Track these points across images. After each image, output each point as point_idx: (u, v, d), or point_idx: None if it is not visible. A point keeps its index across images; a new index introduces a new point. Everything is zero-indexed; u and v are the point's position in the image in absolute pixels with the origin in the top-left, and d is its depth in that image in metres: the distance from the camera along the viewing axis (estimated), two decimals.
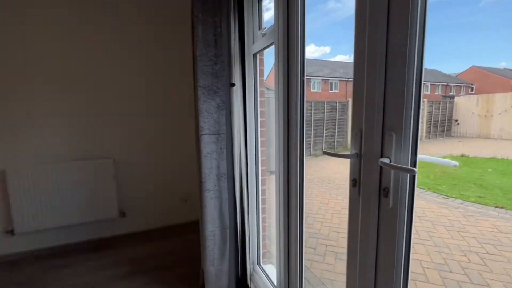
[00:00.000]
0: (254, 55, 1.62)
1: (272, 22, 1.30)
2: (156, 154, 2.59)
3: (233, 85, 1.58)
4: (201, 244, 1.64)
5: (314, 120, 6.96)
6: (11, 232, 2.15)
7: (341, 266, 2.17)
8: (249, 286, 1.67)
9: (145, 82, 2.48)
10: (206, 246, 1.50)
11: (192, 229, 2.62)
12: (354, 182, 0.81)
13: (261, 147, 1.74)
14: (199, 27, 1.39)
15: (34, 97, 2.15)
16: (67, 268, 2.01)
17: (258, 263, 1.77)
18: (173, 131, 2.63)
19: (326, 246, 2.47)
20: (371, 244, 0.77)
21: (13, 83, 2.09)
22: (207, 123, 1.43)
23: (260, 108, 1.71)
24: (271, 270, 1.69)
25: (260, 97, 1.71)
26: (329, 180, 4.67)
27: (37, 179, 2.14)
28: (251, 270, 1.73)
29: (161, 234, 2.54)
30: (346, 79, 13.96)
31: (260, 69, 1.69)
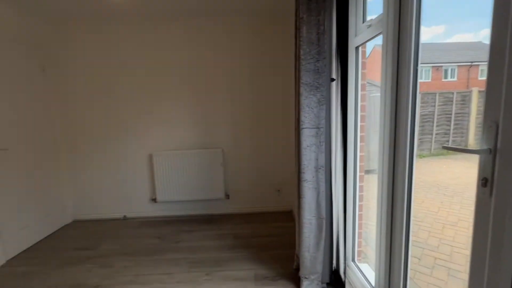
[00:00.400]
0: (357, 48, 1.59)
1: (374, 14, 1.25)
2: (255, 147, 2.90)
3: (333, 80, 1.60)
4: (297, 231, 1.77)
5: (421, 115, 5.96)
6: (154, 200, 2.90)
7: (456, 285, 1.85)
8: (343, 280, 1.68)
9: (250, 85, 2.80)
10: (303, 233, 1.61)
11: (285, 218, 2.81)
12: (485, 182, 0.72)
13: (360, 142, 1.70)
14: (303, 28, 1.48)
15: (172, 101, 2.80)
16: (189, 232, 2.56)
17: (353, 260, 1.75)
18: (270, 127, 2.87)
19: (435, 258, 2.15)
20: (506, 260, 0.65)
21: (160, 92, 2.79)
22: (307, 117, 1.52)
23: (360, 102, 1.67)
24: (367, 270, 1.64)
25: (361, 91, 1.66)
26: (440, 186, 3.95)
27: (171, 162, 2.80)
28: (345, 265, 1.73)
29: (258, 218, 2.84)
30: (470, 63, 11.12)
31: (362, 62, 1.64)
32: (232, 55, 2.75)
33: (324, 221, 1.60)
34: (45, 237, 2.56)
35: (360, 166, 1.73)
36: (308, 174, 1.56)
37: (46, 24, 2.61)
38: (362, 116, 1.69)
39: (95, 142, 2.84)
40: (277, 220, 2.78)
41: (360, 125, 1.70)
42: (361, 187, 1.77)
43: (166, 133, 2.85)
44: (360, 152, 1.70)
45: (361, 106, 1.68)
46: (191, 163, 2.80)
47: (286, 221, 2.75)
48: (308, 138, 1.54)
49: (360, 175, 1.74)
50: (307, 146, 1.54)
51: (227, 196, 2.94)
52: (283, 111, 2.84)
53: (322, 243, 1.62)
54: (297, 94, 1.60)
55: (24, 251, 2.31)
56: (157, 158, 2.79)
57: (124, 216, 2.96)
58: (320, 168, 1.57)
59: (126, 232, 2.64)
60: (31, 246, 2.39)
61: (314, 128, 1.53)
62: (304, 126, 1.53)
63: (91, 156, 2.86)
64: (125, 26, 2.67)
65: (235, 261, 2.06)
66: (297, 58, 1.58)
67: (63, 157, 2.83)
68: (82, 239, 2.50)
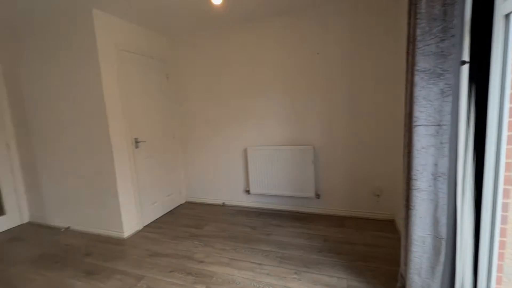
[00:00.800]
0: (507, 16, 1.16)
1: None
2: (351, 145, 2.65)
3: (465, 63, 1.24)
4: (402, 246, 1.50)
5: None
6: (248, 192, 3.12)
7: None
8: None
9: (346, 78, 2.57)
10: (411, 251, 1.34)
11: (385, 228, 2.45)
12: None
13: (506, 144, 1.25)
14: (421, 2, 1.20)
15: (266, 102, 2.91)
16: (279, 227, 2.62)
17: None
18: (370, 123, 2.55)
19: None
20: None
21: (255, 90, 2.95)
22: (424, 112, 1.24)
23: (510, 90, 1.22)
24: None
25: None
26: None
27: (263, 157, 2.92)
28: None
29: (351, 223, 2.60)
30: None
31: None
32: (326, 48, 2.59)
33: (443, 242, 1.27)
34: (166, 213, 3.18)
35: (504, 176, 1.28)
36: (422, 182, 1.27)
37: (167, 40, 3.20)
38: (511, 109, 1.24)
39: (202, 136, 3.30)
40: (375, 228, 2.46)
41: (508, 121, 1.25)
42: (505, 204, 1.31)
43: (259, 129, 2.99)
44: (506, 158, 1.26)
45: (511, 95, 1.23)
46: (282, 159, 2.84)
47: (386, 231, 2.40)
48: (423, 138, 1.25)
49: (504, 189, 1.29)
50: (422, 148, 1.26)
51: (318, 195, 2.83)
52: (387, 105, 2.47)
53: (440, 269, 1.30)
54: (410, 84, 1.33)
55: (154, 221, 2.95)
56: (251, 152, 2.97)
57: (223, 203, 3.32)
58: (440, 176, 1.25)
59: (224, 217, 2.95)
60: (158, 218, 3.03)
61: (433, 125, 1.23)
62: (418, 123, 1.26)
63: (199, 148, 3.35)
64: (223, 31, 2.94)
65: (325, 265, 1.95)
66: (411, 40, 1.30)
67: (179, 148, 3.43)
68: (191, 219, 2.98)
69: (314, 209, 2.88)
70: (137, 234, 2.67)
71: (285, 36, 2.72)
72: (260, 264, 2.02)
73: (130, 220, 2.66)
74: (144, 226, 2.82)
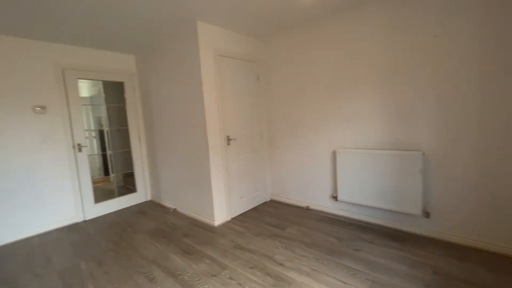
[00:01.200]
0: None
1: None
2: (482, 152, 1.98)
3: None
4: None
5: None
6: (335, 198, 2.85)
7: None
8: None
9: (473, 70, 1.93)
10: None
11: None
12: None
13: None
14: None
15: (359, 99, 2.57)
16: (370, 243, 2.25)
17: None
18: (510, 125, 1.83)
19: None
20: None
21: (344, 86, 2.65)
22: None
23: None
24: None
25: None
26: None
27: (355, 161, 2.59)
28: None
29: (477, 256, 1.95)
30: None
31: None
32: (448, 27, 2.01)
33: None
34: (252, 208, 3.32)
35: None
36: None
37: (258, 41, 3.30)
38: None
39: (289, 135, 3.25)
40: None
41: None
42: None
43: (351, 130, 2.67)
44: None
45: None
46: (378, 165, 2.43)
47: None
48: None
49: None
50: None
51: (426, 213, 2.26)
52: None
53: None
54: None
55: (240, 214, 3.13)
56: (340, 155, 2.69)
57: (307, 207, 3.17)
58: None
59: (308, 222, 2.80)
60: (244, 212, 3.19)
61: None
62: None
63: (285, 148, 3.32)
64: (313, 26, 2.76)
65: None
66: None
67: (266, 147, 3.50)
68: (274, 218, 2.98)
69: (420, 229, 2.33)
70: (225, 224, 2.89)
71: (388, 20, 2.29)
72: (345, 283, 1.78)
73: (221, 211, 2.91)
74: (232, 218, 3.03)
